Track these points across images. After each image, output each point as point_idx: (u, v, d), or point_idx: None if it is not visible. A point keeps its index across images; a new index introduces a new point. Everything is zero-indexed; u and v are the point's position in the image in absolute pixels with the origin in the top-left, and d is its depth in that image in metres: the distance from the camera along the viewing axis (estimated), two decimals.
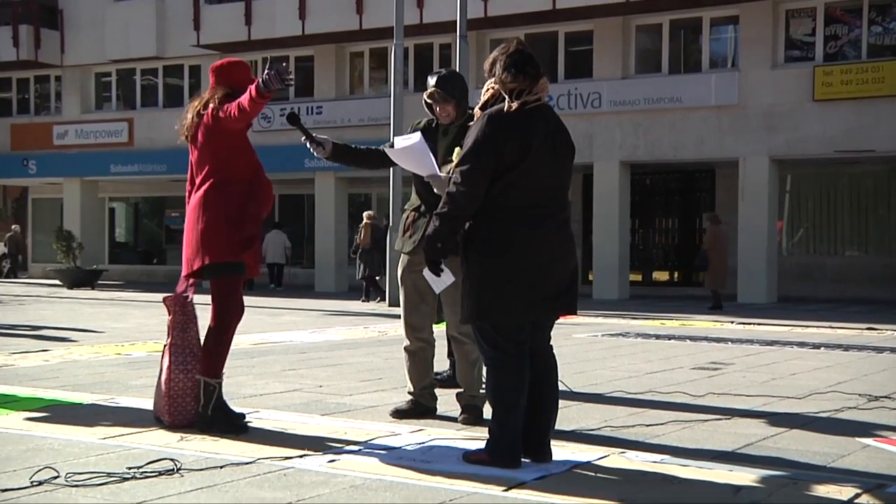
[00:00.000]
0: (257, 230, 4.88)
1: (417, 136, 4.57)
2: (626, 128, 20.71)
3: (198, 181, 4.90)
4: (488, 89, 4.17)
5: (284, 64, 4.55)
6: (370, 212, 19.57)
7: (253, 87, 4.59)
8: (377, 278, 18.81)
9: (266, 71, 4.53)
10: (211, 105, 4.85)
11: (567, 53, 21.82)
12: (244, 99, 4.65)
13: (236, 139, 4.87)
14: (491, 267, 3.98)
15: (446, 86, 5.21)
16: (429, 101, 5.27)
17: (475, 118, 4.15)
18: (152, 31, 25.91)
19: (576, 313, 4.23)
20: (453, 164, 4.39)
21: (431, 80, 5.25)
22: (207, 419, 4.81)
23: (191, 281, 4.94)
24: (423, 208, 5.31)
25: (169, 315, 5.03)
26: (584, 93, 20.90)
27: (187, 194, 5.07)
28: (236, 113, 4.71)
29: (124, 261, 29.55)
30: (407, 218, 5.43)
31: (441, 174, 4.48)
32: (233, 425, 4.84)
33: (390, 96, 17.53)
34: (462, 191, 3.96)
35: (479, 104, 4.17)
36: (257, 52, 24.28)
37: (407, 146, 4.60)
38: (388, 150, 4.80)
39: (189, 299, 5.00)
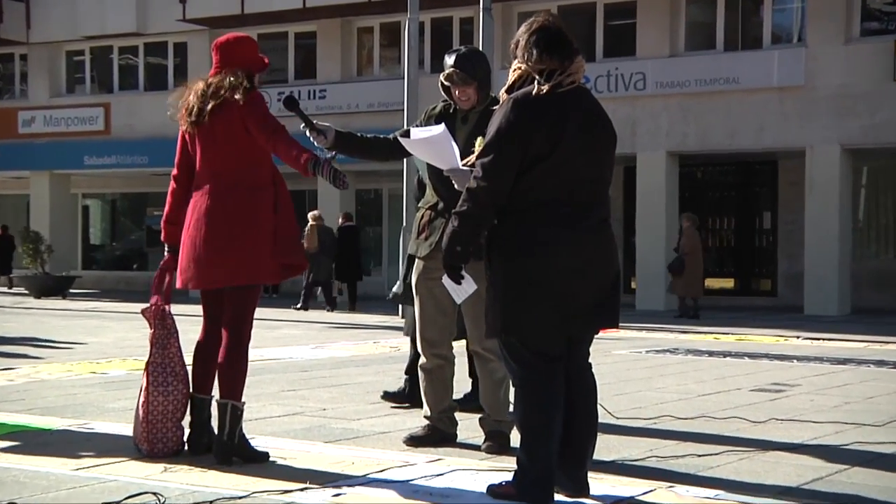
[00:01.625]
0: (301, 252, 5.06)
1: (441, 127, 4.58)
2: (674, 113, 20.68)
3: (209, 182, 4.93)
4: (515, 69, 4.17)
5: (336, 166, 4.67)
6: (315, 212, 20.31)
7: (304, 158, 4.67)
8: (332, 283, 19.96)
9: (325, 158, 4.66)
10: (237, 96, 4.84)
11: (607, 28, 21.82)
12: (291, 152, 4.72)
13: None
14: (518, 273, 3.99)
15: (466, 65, 5.22)
16: (446, 83, 5.28)
17: (500, 103, 4.15)
18: (132, 4, 26.09)
19: (617, 327, 4.23)
20: (474, 155, 4.40)
21: (449, 59, 5.26)
22: (229, 448, 4.84)
23: (156, 300, 5.01)
24: (440, 206, 5.32)
25: (150, 329, 5.08)
26: (625, 73, 20.89)
27: (176, 188, 5.09)
28: (281, 151, 4.78)
29: (100, 266, 29.76)
30: (422, 217, 5.45)
31: (463, 167, 4.49)
32: (257, 453, 4.91)
33: (404, 78, 17.57)
34: (484, 186, 3.97)
35: (505, 87, 4.18)
36: (252, 27, 24.38)
37: (427, 137, 4.60)
38: (402, 140, 4.82)
39: (168, 311, 5.05)
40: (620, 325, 4.41)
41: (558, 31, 4.09)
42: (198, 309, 5.22)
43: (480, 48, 15.90)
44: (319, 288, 20.05)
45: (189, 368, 5.10)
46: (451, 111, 5.39)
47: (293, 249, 4.99)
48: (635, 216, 21.31)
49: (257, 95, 4.94)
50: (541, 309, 3.99)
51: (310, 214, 20.01)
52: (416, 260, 5.45)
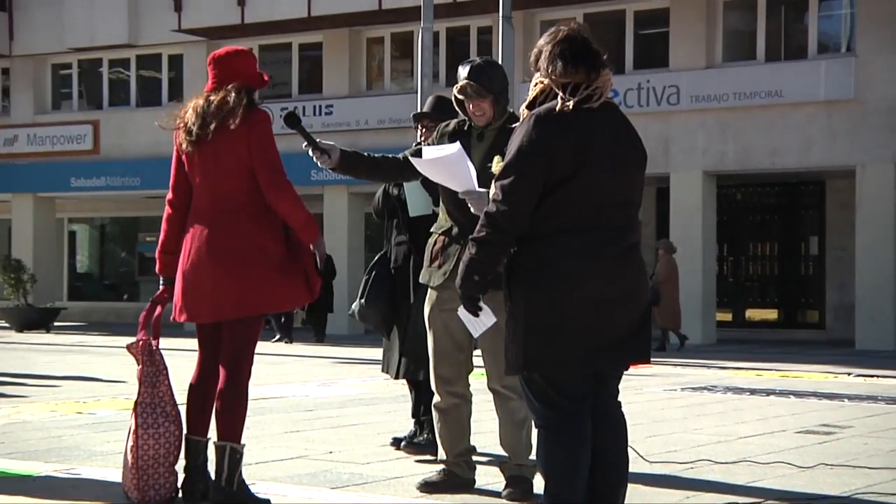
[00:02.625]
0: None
1: (455, 146, 4.60)
2: (711, 129, 20.68)
3: (211, 206, 4.97)
4: (537, 83, 4.20)
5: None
6: None
7: (312, 242, 4.98)
8: (293, 314, 20.58)
9: (318, 256, 4.96)
10: (235, 122, 4.91)
11: (637, 37, 21.88)
12: (300, 222, 4.98)
13: None
14: (541, 304, 4.00)
15: (481, 77, 5.25)
16: (459, 96, 5.31)
17: (520, 119, 4.18)
18: (123, 14, 26.26)
19: (649, 361, 4.23)
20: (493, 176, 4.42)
21: (463, 71, 5.29)
22: (228, 495, 4.86)
23: (143, 335, 5.04)
24: (455, 231, 5.34)
25: (138, 365, 5.10)
26: (658, 86, 20.92)
27: (172, 213, 5.13)
28: (287, 207, 4.96)
29: (87, 297, 29.85)
30: (435, 244, 5.46)
31: (479, 189, 4.51)
32: (257, 501, 4.94)
33: (417, 93, 17.65)
34: (504, 210, 3.99)
35: (526, 102, 4.21)
36: (252, 38, 24.56)
37: (440, 157, 4.63)
38: (413, 160, 4.85)
39: (156, 346, 5.07)
40: (652, 359, 4.41)
41: (584, 42, 4.11)
42: (191, 343, 5.25)
43: (500, 60, 16.05)
44: (281, 318, 20.38)
45: (182, 408, 5.12)
46: (465, 128, 5.41)
47: (303, 276, 5.03)
48: None
49: (266, 128, 4.99)
50: (566, 343, 4.00)
51: None
52: (429, 290, 5.47)
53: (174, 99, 26.27)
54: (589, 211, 4.02)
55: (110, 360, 15.23)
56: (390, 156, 5.52)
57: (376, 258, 6.88)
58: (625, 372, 4.28)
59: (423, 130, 6.50)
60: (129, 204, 28.40)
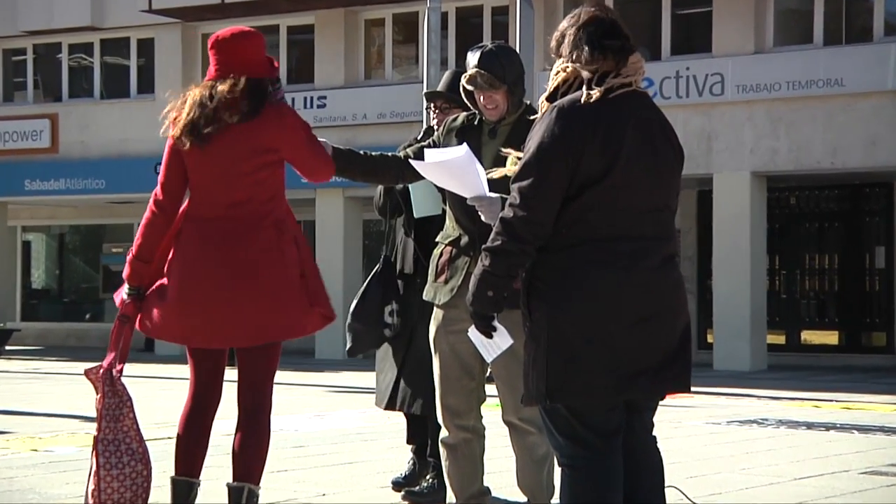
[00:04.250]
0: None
1: (463, 148, 4.62)
2: (760, 123, 20.67)
3: (223, 214, 5.00)
4: (559, 72, 4.21)
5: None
6: None
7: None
8: None
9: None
10: (235, 117, 4.96)
11: (675, 19, 21.89)
12: (324, 160, 5.19)
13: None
14: (565, 325, 4.01)
15: (494, 65, 5.26)
16: (469, 87, 5.32)
17: (540, 112, 4.19)
18: None
19: (689, 391, 4.24)
20: (505, 168, 4.43)
21: (473, 58, 5.30)
22: None
23: (110, 359, 5.04)
24: (463, 241, 5.35)
25: (97, 394, 5.08)
26: (698, 74, 20.91)
27: (156, 216, 5.10)
28: (320, 168, 5.15)
29: (44, 316, 29.87)
30: (440, 256, 5.47)
31: (491, 194, 4.52)
32: None
33: (423, 82, 17.67)
34: (522, 216, 4.00)
35: (546, 93, 4.22)
36: (234, 19, 24.56)
37: (445, 161, 4.64)
38: (415, 164, 4.87)
39: (118, 374, 5.07)
40: (693, 388, 4.41)
41: (612, 24, 4.12)
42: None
43: (517, 45, 16.06)
44: None
45: (150, 444, 5.11)
46: (475, 123, 5.43)
47: (325, 295, 5.11)
48: (712, 253, 21.25)
49: (298, 119, 5.08)
50: (594, 369, 4.00)
51: None
52: (435, 308, 5.48)
53: (144, 90, 26.39)
54: (619, 217, 4.03)
55: (70, 388, 15.23)
56: (390, 154, 5.53)
57: (375, 269, 6.87)
58: (661, 402, 4.28)
59: (437, 113, 6.50)
60: (91, 210, 28.44)
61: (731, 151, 20.81)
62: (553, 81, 4.22)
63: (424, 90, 17.12)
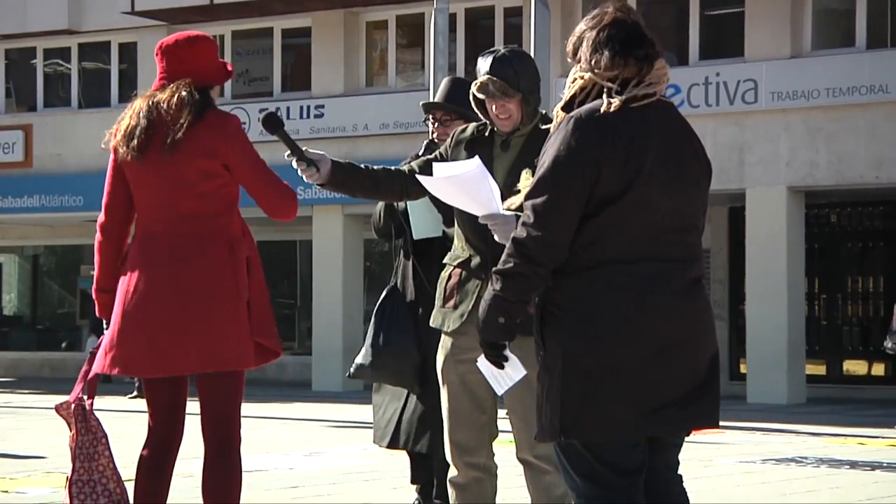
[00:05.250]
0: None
1: (474, 161, 4.63)
2: (797, 134, 20.67)
3: (169, 231, 5.00)
4: (575, 79, 4.21)
5: None
6: None
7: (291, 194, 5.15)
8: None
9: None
10: (181, 125, 4.96)
11: (704, 20, 21.91)
12: (282, 192, 5.15)
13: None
14: (583, 354, 4.00)
15: (507, 72, 5.27)
16: (480, 95, 5.34)
17: (556, 123, 4.19)
18: None
19: (718, 426, 4.23)
20: (521, 194, 4.44)
21: (484, 64, 5.32)
22: None
23: (78, 392, 5.03)
24: (474, 263, 5.36)
25: (71, 431, 5.09)
26: (730, 81, 20.93)
27: (103, 242, 5.16)
28: (269, 193, 5.10)
29: (16, 345, 29.88)
30: (449, 279, 5.47)
31: (505, 212, 4.53)
32: None
33: (429, 90, 17.71)
34: (536, 236, 4.00)
35: (562, 102, 4.22)
36: (223, 21, 24.70)
37: (455, 176, 4.65)
38: (422, 179, 4.89)
39: (90, 408, 5.07)
40: (724, 423, 4.42)
41: (635, 27, 4.14)
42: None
43: (532, 49, 16.09)
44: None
45: (129, 484, 5.12)
46: (486, 134, 5.43)
47: (270, 328, 5.07)
48: (744, 276, 21.23)
49: (244, 135, 5.08)
50: (613, 402, 4.00)
51: None
52: (443, 336, 5.48)
53: (127, 99, 26.38)
54: (641, 237, 4.03)
55: (45, 424, 15.21)
56: (393, 168, 5.54)
57: (385, 292, 6.85)
58: (689, 439, 4.28)
59: (437, 125, 6.52)
60: (68, 230, 28.46)
61: (766, 165, 20.80)
62: (570, 89, 4.21)
63: (431, 98, 17.16)
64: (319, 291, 24.09)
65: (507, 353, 4.17)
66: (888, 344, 15.96)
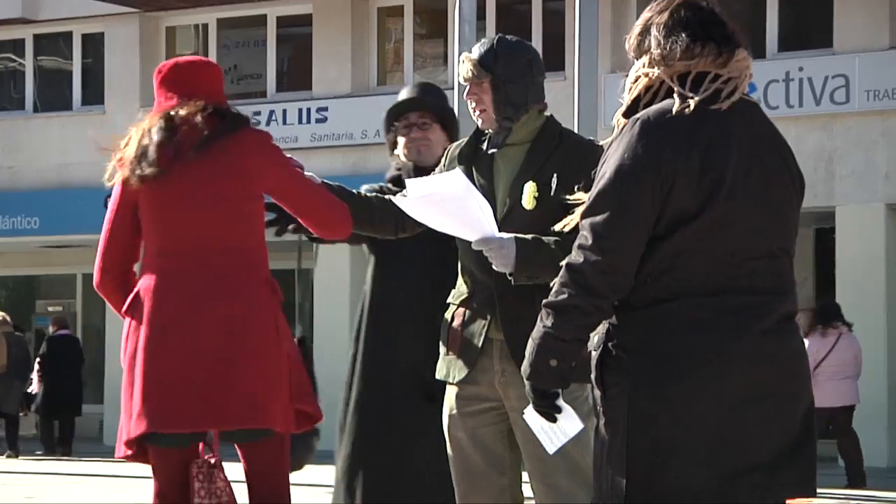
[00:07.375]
0: None
1: (454, 174, 4.65)
2: None
3: (198, 262, 5.07)
4: (638, 77, 4.19)
5: None
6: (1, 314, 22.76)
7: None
8: (19, 418, 22.75)
9: None
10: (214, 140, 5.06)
11: (785, 6, 21.94)
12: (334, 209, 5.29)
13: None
14: (651, 405, 4.01)
15: (485, 52, 5.35)
16: (462, 82, 5.42)
17: (616, 130, 4.16)
18: None
19: (815, 494, 4.22)
20: (576, 212, 4.43)
21: (473, 52, 5.43)
22: None
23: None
24: (478, 300, 5.33)
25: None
26: (815, 76, 20.96)
27: (103, 274, 5.21)
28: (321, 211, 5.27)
29: None
30: (451, 320, 5.46)
31: (501, 234, 4.55)
32: None
33: (453, 88, 17.74)
34: (595, 262, 3.99)
35: (623, 107, 4.17)
36: (208, 8, 24.79)
37: (431, 194, 4.68)
38: (398, 201, 4.93)
39: (218, 464, 5.24)
40: (821, 490, 4.40)
41: (711, 12, 4.14)
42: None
43: (576, 41, 16.05)
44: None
45: None
46: (483, 147, 5.44)
47: (308, 388, 5.27)
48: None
49: (279, 150, 5.21)
50: (688, 464, 3.99)
51: None
52: (448, 389, 5.49)
53: (91, 101, 26.56)
54: (721, 264, 4.03)
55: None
56: (387, 197, 5.55)
57: None
58: None
59: (415, 130, 6.42)
60: (22, 257, 28.56)
61: (859, 177, 20.81)
62: (632, 90, 4.19)
63: (455, 98, 17.11)
64: (322, 327, 23.97)
65: (561, 402, 4.17)
66: None
